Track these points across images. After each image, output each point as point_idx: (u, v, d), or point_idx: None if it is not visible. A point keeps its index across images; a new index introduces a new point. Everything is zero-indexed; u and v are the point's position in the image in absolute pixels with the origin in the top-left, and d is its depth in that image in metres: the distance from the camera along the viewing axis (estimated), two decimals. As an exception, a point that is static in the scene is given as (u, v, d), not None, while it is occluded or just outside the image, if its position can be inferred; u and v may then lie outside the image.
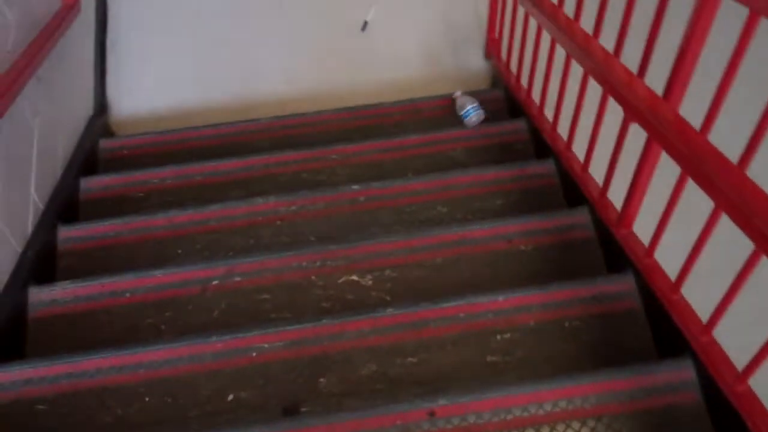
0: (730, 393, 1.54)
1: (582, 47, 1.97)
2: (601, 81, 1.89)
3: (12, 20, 2.38)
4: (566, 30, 2.10)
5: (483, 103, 3.15)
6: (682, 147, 1.43)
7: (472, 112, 3.01)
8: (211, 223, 2.49)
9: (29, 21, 2.53)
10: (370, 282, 2.20)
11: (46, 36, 2.58)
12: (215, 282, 2.20)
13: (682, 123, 1.48)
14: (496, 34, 3.35)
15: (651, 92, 1.64)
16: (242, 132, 3.20)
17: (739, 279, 1.42)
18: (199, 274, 2.22)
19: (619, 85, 1.73)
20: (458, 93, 3.16)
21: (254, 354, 1.92)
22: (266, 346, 1.92)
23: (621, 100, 1.75)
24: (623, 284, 2.01)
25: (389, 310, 1.97)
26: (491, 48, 3.45)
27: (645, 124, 1.64)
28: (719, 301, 1.53)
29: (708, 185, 1.37)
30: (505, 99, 3.22)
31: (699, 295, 1.77)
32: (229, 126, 3.24)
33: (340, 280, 2.20)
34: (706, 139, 1.42)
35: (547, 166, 2.60)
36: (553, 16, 2.21)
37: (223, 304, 2.17)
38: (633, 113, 1.70)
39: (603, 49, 1.90)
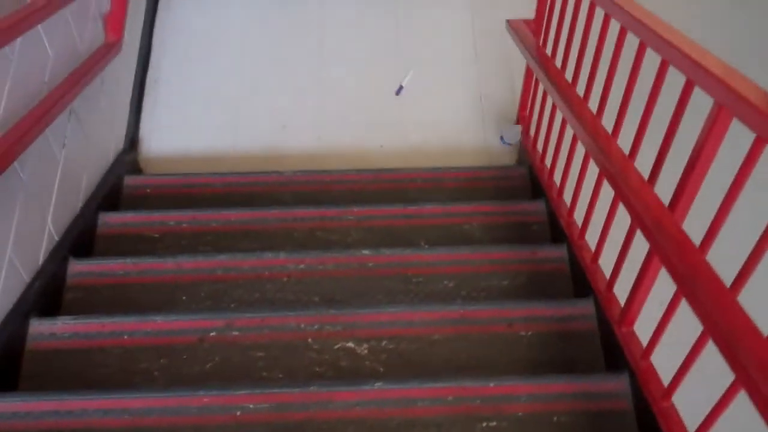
0: None
1: (601, 148, 1.96)
2: (614, 184, 1.88)
3: (51, 54, 2.45)
4: (589, 129, 2.09)
5: (506, 179, 3.19)
6: (677, 264, 1.42)
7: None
8: (219, 273, 2.51)
9: (69, 55, 2.60)
10: (365, 351, 2.20)
11: (83, 72, 2.64)
12: (213, 334, 2.21)
13: (682, 239, 1.47)
14: (527, 111, 3.37)
15: (658, 202, 1.64)
16: (265, 183, 3.23)
17: (719, 405, 1.40)
18: (198, 324, 2.23)
19: (629, 191, 1.73)
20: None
21: (238, 413, 1.91)
22: (251, 406, 1.92)
23: (629, 207, 1.74)
24: (617, 384, 1.99)
25: (378, 384, 1.97)
26: (521, 124, 3.46)
27: (647, 235, 1.62)
28: (703, 420, 1.50)
29: (699, 309, 1.35)
30: (529, 177, 3.22)
31: (691, 398, 1.74)
32: (252, 176, 3.28)
33: (336, 346, 2.20)
34: (703, 259, 1.41)
35: (560, 252, 2.59)
36: (577, 113, 2.21)
37: (217, 357, 2.17)
38: (638, 221, 1.69)
39: (620, 152, 1.90)
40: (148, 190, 3.20)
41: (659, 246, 1.54)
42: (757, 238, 1.30)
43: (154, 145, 3.60)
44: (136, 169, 3.47)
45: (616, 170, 1.82)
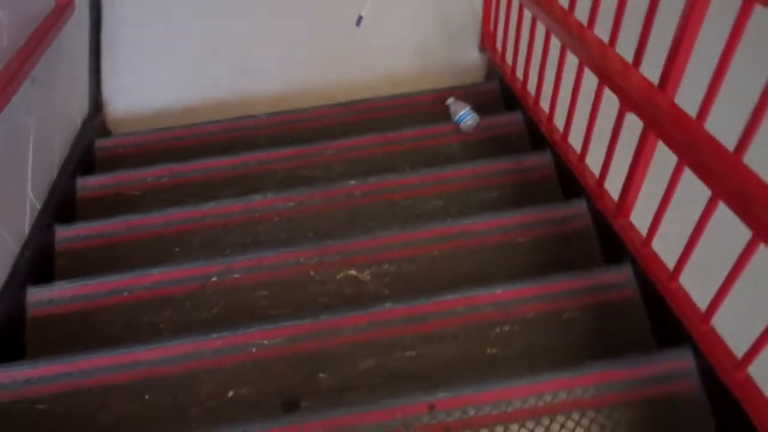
0: (729, 381, 1.54)
1: (577, 37, 1.97)
2: (596, 71, 1.88)
3: (5, 21, 2.37)
4: (561, 21, 2.10)
5: (478, 96, 3.17)
6: (677, 135, 1.43)
7: (466, 116, 2.96)
8: (208, 220, 2.49)
9: (23, 21, 2.52)
10: (368, 276, 2.20)
11: (40, 36, 2.56)
12: (214, 279, 2.20)
13: (678, 111, 1.48)
14: (491, 26, 3.34)
15: (646, 81, 1.64)
16: (239, 129, 3.20)
17: (736, 267, 1.41)
18: (197, 272, 2.22)
19: (615, 75, 1.73)
20: (451, 100, 3.08)
21: (253, 350, 1.91)
22: (265, 342, 1.92)
23: (616, 90, 1.75)
24: (620, 274, 2.01)
25: (387, 305, 1.97)
26: (486, 40, 3.44)
27: (641, 113, 1.63)
28: (717, 290, 1.52)
29: (705, 173, 1.37)
30: (501, 91, 3.21)
31: (697, 284, 1.76)
32: (225, 123, 3.24)
33: (339, 276, 2.20)
34: (702, 127, 1.41)
35: (543, 158, 2.59)
36: (548, 7, 2.20)
37: (221, 301, 2.17)
38: (628, 102, 1.70)
39: (598, 39, 1.89)
40: (121, 150, 3.16)
41: (654, 121, 1.55)
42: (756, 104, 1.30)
43: (120, 106, 3.52)
44: (104, 131, 3.40)
45: (597, 57, 1.82)
